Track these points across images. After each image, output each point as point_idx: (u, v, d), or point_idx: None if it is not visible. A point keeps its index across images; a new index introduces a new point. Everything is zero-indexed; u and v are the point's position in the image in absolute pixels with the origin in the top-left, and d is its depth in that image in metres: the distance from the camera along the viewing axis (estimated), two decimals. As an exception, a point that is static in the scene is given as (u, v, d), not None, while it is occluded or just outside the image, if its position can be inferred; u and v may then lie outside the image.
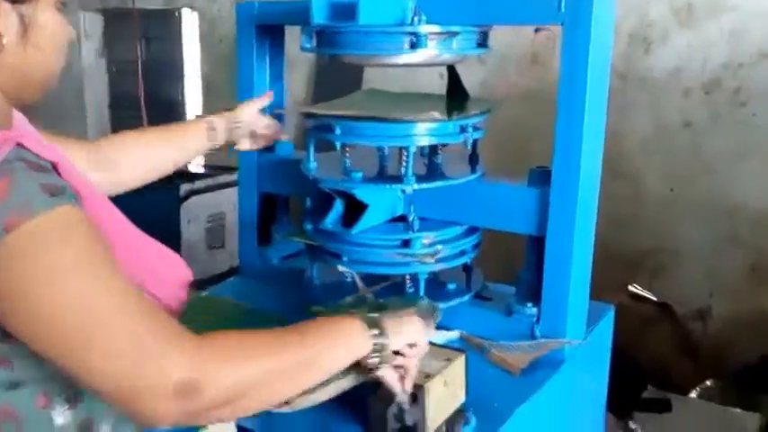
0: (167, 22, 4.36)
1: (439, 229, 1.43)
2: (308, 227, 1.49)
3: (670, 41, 2.79)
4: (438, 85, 2.40)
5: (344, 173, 1.42)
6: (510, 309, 1.41)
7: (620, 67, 2.81)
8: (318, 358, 0.83)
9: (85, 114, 4.90)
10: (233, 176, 3.46)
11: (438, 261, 1.42)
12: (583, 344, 1.40)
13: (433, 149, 1.50)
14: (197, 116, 1.50)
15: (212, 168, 3.88)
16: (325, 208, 1.39)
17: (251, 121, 1.47)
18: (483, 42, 1.41)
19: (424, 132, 1.34)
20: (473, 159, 1.49)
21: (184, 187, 3.45)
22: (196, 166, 4.14)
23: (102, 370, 0.68)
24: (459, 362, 1.12)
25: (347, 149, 1.44)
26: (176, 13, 4.32)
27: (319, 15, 1.33)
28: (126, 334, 0.69)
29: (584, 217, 1.34)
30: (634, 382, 2.43)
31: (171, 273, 0.91)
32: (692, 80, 2.77)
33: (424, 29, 1.29)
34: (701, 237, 2.82)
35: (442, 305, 1.38)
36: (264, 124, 1.50)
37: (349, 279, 1.49)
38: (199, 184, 3.51)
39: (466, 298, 1.47)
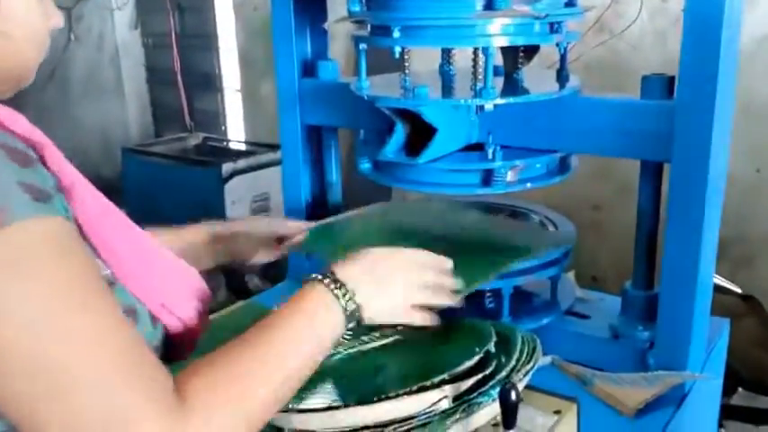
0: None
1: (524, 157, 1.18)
2: (365, 164, 1.27)
3: (759, 5, 2.47)
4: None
5: (406, 90, 1.17)
6: (616, 331, 1.18)
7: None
8: (289, 363, 0.70)
9: (123, 90, 4.75)
10: (276, 155, 3.29)
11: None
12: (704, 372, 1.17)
13: (513, 65, 1.25)
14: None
15: (254, 145, 3.71)
16: (383, 139, 1.16)
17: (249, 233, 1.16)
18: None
19: (504, 30, 1.07)
20: (562, 75, 1.22)
21: (226, 167, 3.28)
22: (237, 144, 3.96)
23: (68, 426, 0.57)
24: (571, 416, 0.90)
25: (406, 59, 1.19)
26: (208, -20, 4.12)
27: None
28: (101, 389, 0.57)
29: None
30: (723, 384, 2.18)
31: (185, 283, 0.76)
32: (784, 50, 2.45)
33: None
34: (789, 223, 2.54)
35: (530, 325, 1.17)
36: (270, 231, 1.19)
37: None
38: (241, 163, 3.35)
39: (558, 315, 1.23)
